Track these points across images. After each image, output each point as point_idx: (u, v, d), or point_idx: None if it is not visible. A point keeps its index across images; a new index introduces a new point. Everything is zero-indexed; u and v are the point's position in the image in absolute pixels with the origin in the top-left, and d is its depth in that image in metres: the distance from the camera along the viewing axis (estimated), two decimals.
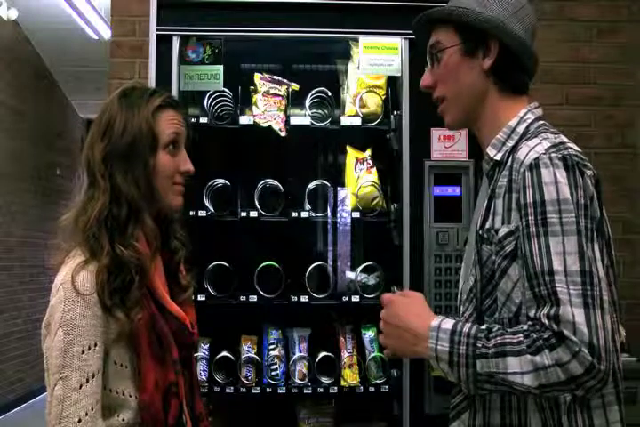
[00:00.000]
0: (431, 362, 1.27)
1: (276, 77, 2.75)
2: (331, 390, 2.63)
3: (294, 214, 2.69)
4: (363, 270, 2.72)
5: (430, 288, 2.49)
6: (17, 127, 6.60)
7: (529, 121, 1.38)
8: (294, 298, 2.65)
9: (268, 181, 2.73)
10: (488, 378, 1.20)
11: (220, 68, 2.59)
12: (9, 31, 6.26)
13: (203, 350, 2.67)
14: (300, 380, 2.66)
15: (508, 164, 1.32)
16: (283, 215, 2.69)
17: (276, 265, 2.71)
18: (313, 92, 2.73)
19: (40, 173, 7.24)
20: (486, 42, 1.36)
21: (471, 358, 1.20)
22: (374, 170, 2.76)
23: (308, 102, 2.72)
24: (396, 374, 2.58)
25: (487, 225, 1.33)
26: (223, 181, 2.75)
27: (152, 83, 2.49)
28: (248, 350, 2.71)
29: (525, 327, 1.20)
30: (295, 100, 2.76)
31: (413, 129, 2.53)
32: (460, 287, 1.46)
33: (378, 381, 2.66)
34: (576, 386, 1.15)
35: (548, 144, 1.27)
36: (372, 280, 2.71)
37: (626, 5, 3.26)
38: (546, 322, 1.16)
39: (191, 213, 2.60)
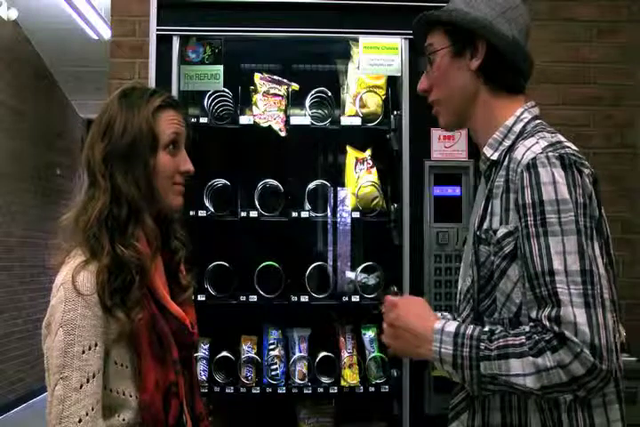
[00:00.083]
0: (436, 364, 1.28)
1: (276, 77, 2.75)
2: (331, 390, 2.64)
3: (294, 214, 2.69)
4: (363, 270, 2.72)
5: (430, 288, 2.49)
6: (17, 127, 6.60)
7: (526, 120, 1.37)
8: (294, 298, 2.65)
9: (267, 181, 2.73)
10: (492, 380, 1.20)
11: (220, 68, 2.59)
12: (9, 31, 6.26)
13: (203, 350, 2.67)
14: (300, 380, 2.66)
15: (505, 163, 1.32)
16: (283, 215, 2.69)
17: (276, 265, 2.71)
18: (313, 92, 2.73)
19: (40, 173, 7.24)
20: (474, 42, 1.37)
21: (474, 361, 1.21)
22: (374, 170, 2.76)
23: (307, 102, 2.72)
24: (395, 374, 2.58)
25: (485, 226, 1.33)
26: (223, 181, 2.75)
27: (152, 83, 2.49)
28: (248, 350, 2.71)
29: (527, 329, 1.20)
30: (295, 100, 2.76)
31: (413, 129, 2.53)
32: (459, 287, 1.46)
33: (378, 381, 2.66)
34: (578, 387, 1.15)
35: (545, 143, 1.27)
36: (372, 280, 2.72)
37: (626, 5, 3.26)
38: (547, 323, 1.16)
39: (191, 213, 2.60)
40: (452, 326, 1.26)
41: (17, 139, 6.59)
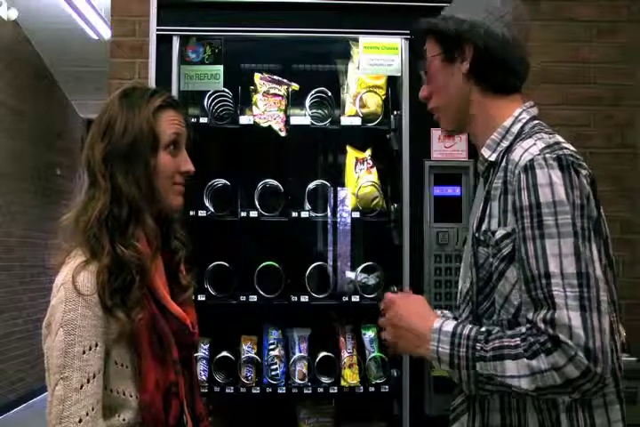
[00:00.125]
0: (434, 363, 1.28)
1: (276, 77, 2.75)
2: (331, 390, 2.63)
3: (294, 214, 2.69)
4: (363, 270, 2.72)
5: (430, 288, 2.49)
6: (17, 127, 6.60)
7: (524, 121, 1.38)
8: (294, 298, 2.65)
9: (268, 181, 2.73)
10: (488, 380, 1.21)
11: (220, 68, 2.59)
12: (9, 31, 6.26)
13: (203, 350, 2.67)
14: (300, 380, 2.66)
15: (503, 165, 1.32)
16: (283, 215, 2.69)
17: (276, 265, 2.71)
18: (313, 92, 2.73)
19: (40, 173, 7.23)
20: (461, 46, 1.39)
21: (471, 361, 1.21)
22: (374, 170, 2.76)
23: (307, 102, 2.72)
24: (395, 374, 2.59)
25: (483, 227, 1.33)
26: (223, 181, 2.75)
27: (152, 83, 2.49)
28: (248, 350, 2.71)
29: (523, 330, 1.20)
30: (295, 100, 2.76)
31: (413, 129, 2.53)
32: (459, 288, 1.46)
33: (378, 381, 2.66)
34: (572, 389, 1.16)
35: (543, 145, 1.27)
36: (372, 280, 2.72)
37: (626, 5, 3.26)
38: (542, 326, 1.16)
39: (191, 213, 2.60)
40: (449, 326, 1.27)
41: (17, 139, 6.59)
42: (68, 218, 1.44)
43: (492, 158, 1.37)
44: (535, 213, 1.21)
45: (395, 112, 2.65)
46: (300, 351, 2.72)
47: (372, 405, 2.79)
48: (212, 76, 2.60)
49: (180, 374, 1.43)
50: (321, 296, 2.66)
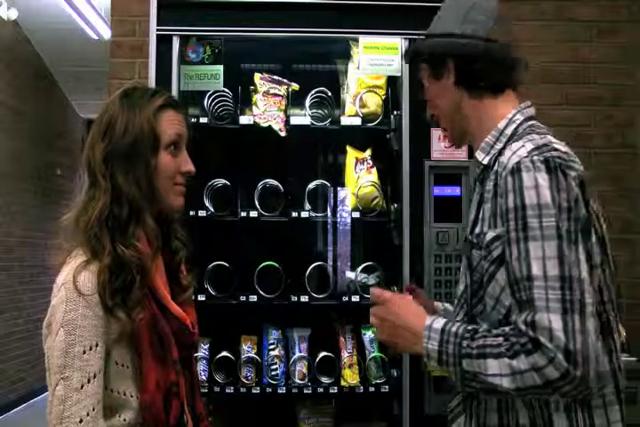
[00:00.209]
0: (425, 360, 1.29)
1: (276, 77, 2.75)
2: (331, 390, 2.64)
3: (294, 214, 2.69)
4: (363, 270, 2.72)
5: (430, 288, 2.49)
6: (17, 127, 6.60)
7: (518, 122, 1.38)
8: (294, 298, 2.65)
9: (268, 181, 2.73)
10: (474, 377, 1.22)
11: (220, 68, 2.59)
12: (9, 31, 6.26)
13: (203, 350, 2.67)
14: (300, 380, 2.66)
15: (495, 168, 1.32)
16: (283, 215, 2.69)
17: (276, 265, 2.71)
18: (313, 92, 2.73)
19: (40, 173, 7.23)
20: (444, 61, 1.41)
21: (457, 358, 1.23)
22: (374, 170, 2.76)
23: (307, 102, 2.72)
24: (395, 374, 2.59)
25: (477, 230, 1.33)
26: (223, 181, 2.75)
27: (152, 83, 2.49)
28: (248, 350, 2.71)
29: (507, 330, 1.21)
30: (295, 100, 2.76)
31: (413, 129, 2.53)
32: (458, 289, 1.47)
33: (378, 381, 2.66)
34: (552, 390, 1.16)
35: (532, 146, 1.27)
36: (372, 280, 2.71)
37: (626, 5, 3.26)
38: (522, 328, 1.17)
39: (191, 213, 2.60)
40: (439, 323, 1.28)
41: (17, 139, 6.59)
42: (68, 218, 1.43)
43: (485, 162, 1.38)
44: (520, 216, 1.21)
45: (395, 112, 2.65)
46: (300, 351, 2.72)
47: (372, 405, 2.79)
48: (212, 76, 2.60)
49: (180, 374, 1.43)
50: (321, 296, 2.66)
